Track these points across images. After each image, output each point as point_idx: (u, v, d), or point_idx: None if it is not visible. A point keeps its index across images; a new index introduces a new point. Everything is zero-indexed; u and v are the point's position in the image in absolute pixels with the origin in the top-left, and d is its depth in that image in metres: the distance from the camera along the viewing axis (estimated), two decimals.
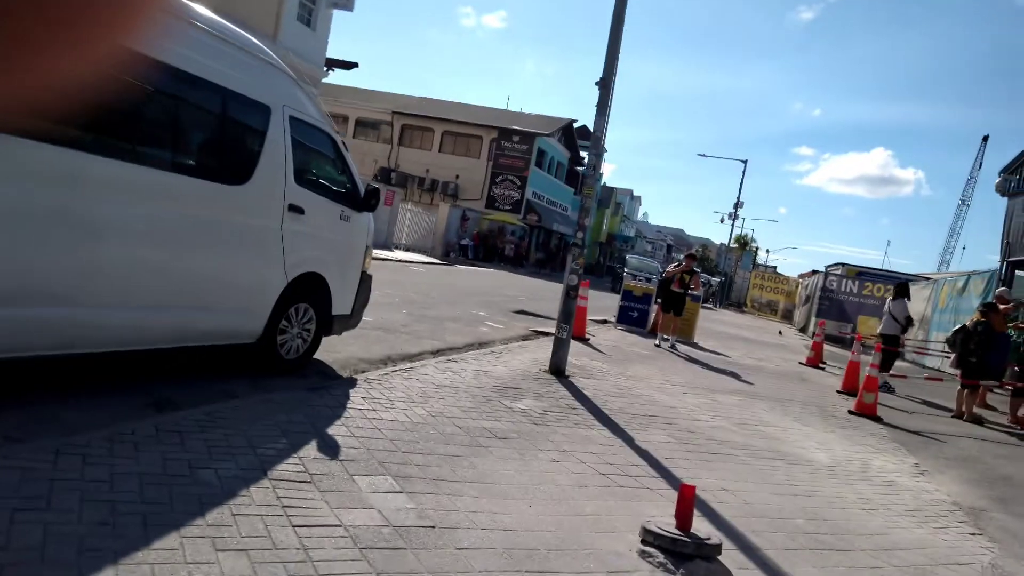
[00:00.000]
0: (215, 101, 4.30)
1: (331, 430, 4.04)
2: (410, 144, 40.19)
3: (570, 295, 7.26)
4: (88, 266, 3.66)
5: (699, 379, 9.37)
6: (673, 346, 12.39)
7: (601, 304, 17.90)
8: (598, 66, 7.26)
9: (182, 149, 4.28)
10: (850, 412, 8.87)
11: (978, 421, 9.87)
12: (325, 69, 20.73)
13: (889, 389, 11.30)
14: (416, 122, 40.08)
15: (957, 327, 10.36)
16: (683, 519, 3.26)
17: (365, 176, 34.23)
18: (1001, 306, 10.15)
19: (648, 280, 22.90)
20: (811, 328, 23.74)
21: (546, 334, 11.28)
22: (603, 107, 7.24)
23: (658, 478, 4.49)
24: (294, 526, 2.78)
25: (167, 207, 4.06)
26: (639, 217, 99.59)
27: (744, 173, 50.14)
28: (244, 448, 3.49)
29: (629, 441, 5.29)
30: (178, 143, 4.23)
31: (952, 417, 9.97)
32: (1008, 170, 14.48)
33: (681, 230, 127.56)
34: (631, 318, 14.63)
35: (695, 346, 13.90)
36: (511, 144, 38.58)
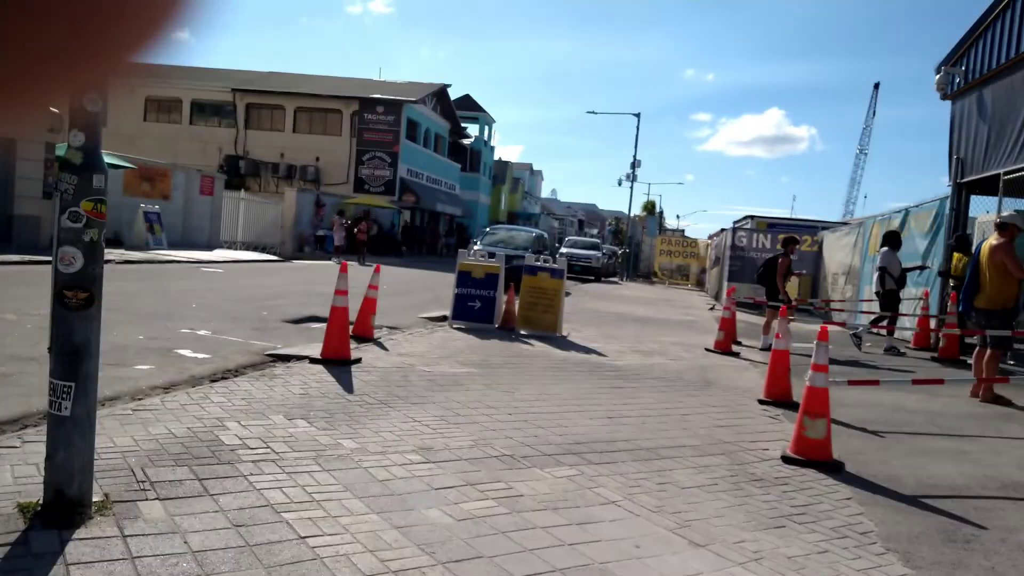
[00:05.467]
0: None
1: None
2: (259, 126, 34.54)
3: (67, 303, 2.78)
4: None
5: (514, 424, 5.08)
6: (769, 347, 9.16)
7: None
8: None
9: None
10: (784, 459, 4.82)
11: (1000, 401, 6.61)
12: None
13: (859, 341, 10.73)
14: (263, 99, 34.42)
15: None
16: None
17: (209, 167, 28.76)
18: None
19: (521, 258, 18.22)
20: (724, 295, 20.13)
21: (295, 358, 6.82)
22: None
23: None
24: None
25: None
26: (547, 194, 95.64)
27: (638, 128, 46.42)
28: None
29: None
30: None
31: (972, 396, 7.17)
32: (949, 61, 10.81)
33: (594, 205, 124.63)
34: (472, 311, 10.36)
35: (561, 342, 9.72)
36: (375, 116, 33.54)
